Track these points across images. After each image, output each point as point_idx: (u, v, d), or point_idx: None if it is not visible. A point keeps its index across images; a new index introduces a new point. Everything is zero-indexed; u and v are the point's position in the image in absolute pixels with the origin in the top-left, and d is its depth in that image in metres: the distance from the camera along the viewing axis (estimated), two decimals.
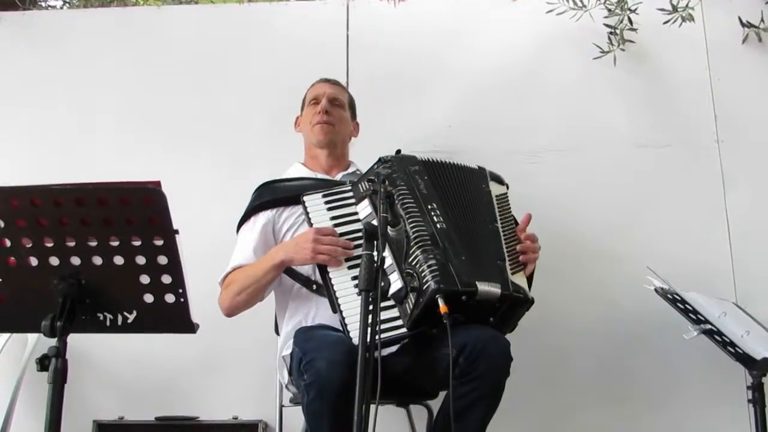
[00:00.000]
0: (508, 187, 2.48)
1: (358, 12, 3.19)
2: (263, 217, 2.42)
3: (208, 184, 2.99)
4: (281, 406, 2.47)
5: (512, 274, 2.20)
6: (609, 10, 3.05)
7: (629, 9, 3.02)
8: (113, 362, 2.85)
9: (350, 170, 2.59)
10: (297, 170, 2.58)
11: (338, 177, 2.54)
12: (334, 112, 2.56)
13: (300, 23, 3.21)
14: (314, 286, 2.32)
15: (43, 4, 3.95)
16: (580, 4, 3.02)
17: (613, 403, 2.79)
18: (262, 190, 2.50)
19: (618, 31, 3.04)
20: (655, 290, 2.44)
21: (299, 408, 2.36)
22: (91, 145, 3.10)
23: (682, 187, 2.94)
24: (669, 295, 2.42)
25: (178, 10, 3.40)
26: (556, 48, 3.12)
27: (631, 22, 3.03)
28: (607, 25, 3.05)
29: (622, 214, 2.93)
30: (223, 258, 2.41)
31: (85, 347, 2.68)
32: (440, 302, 1.92)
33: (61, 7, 3.96)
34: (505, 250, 2.25)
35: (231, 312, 2.34)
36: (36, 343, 2.63)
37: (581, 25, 3.04)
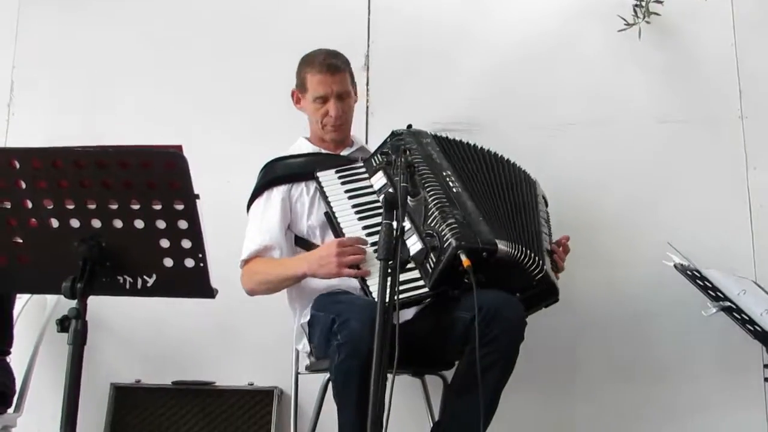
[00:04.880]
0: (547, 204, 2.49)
1: None
2: (278, 192, 2.42)
3: (229, 150, 2.98)
4: (297, 374, 2.49)
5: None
6: None
7: None
8: (131, 326, 2.88)
9: (355, 147, 2.58)
10: (303, 146, 2.58)
11: (344, 153, 2.54)
12: (344, 107, 2.48)
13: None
14: None
15: None
16: None
17: (629, 379, 2.78)
18: (273, 166, 2.49)
19: (644, 4, 2.98)
20: (675, 266, 2.42)
21: (314, 376, 2.40)
22: (114, 109, 3.11)
23: (705, 164, 2.89)
24: (688, 272, 2.40)
25: None
26: (580, 20, 3.06)
27: None
28: None
29: (643, 190, 2.90)
30: (242, 223, 2.42)
31: (103, 311, 2.69)
32: (462, 257, 1.94)
33: None
34: (546, 237, 2.26)
35: (252, 295, 2.39)
36: (55, 305, 2.65)
37: None
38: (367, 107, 2.99)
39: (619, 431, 2.76)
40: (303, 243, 2.41)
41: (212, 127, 3.02)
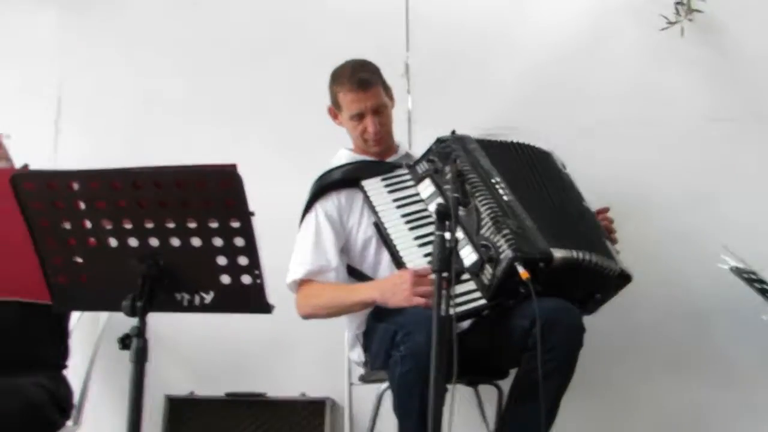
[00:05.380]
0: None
1: None
2: (329, 209, 2.40)
3: (274, 163, 2.98)
4: (350, 384, 2.49)
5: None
6: None
7: None
8: (184, 338, 2.89)
9: (401, 153, 2.56)
10: (346, 157, 2.55)
11: (389, 160, 2.52)
12: (382, 121, 2.44)
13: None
14: None
15: None
16: None
17: (682, 378, 2.74)
18: (320, 180, 2.47)
19: (685, 1, 2.93)
20: (731, 269, 2.37)
21: (367, 386, 2.39)
22: (155, 126, 3.14)
23: (757, 163, 2.84)
24: (744, 275, 2.35)
25: None
26: (621, 20, 3.02)
27: None
28: None
29: (693, 191, 2.85)
30: (290, 234, 2.42)
31: (156, 323, 2.71)
32: (519, 269, 1.93)
33: None
34: (600, 228, 2.26)
35: (307, 318, 2.34)
36: (107, 319, 2.67)
37: None
38: (409, 115, 2.98)
39: None
40: (357, 275, 2.39)
41: (254, 140, 3.03)
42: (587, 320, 2.13)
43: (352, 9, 3.14)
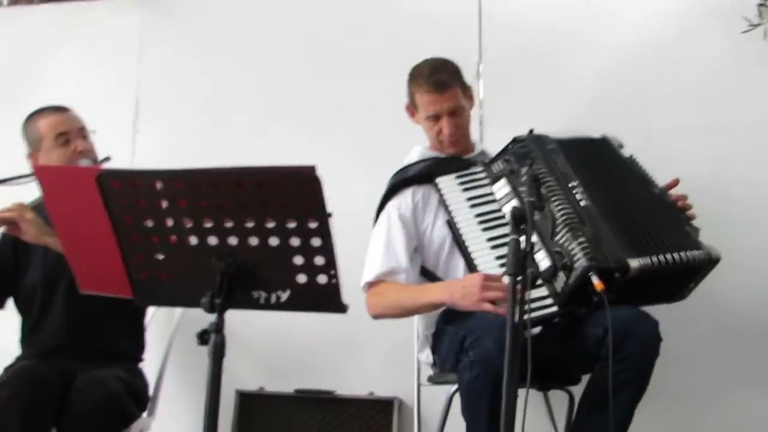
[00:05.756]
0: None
1: None
2: (403, 210, 2.39)
3: (348, 164, 2.99)
4: (419, 385, 2.50)
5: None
6: None
7: None
8: (255, 335, 2.93)
9: (477, 152, 2.53)
10: (420, 154, 2.54)
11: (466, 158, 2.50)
12: (458, 123, 2.41)
13: (430, 4, 3.16)
14: None
15: None
16: None
17: (759, 391, 2.67)
18: (394, 178, 2.48)
19: None
20: None
21: (435, 387, 2.39)
22: (228, 127, 3.20)
23: None
24: None
25: None
26: (701, 21, 2.94)
27: None
28: None
29: None
30: (363, 235, 2.43)
31: (228, 320, 2.77)
32: (594, 279, 1.90)
33: None
34: (678, 213, 2.21)
35: (377, 318, 2.34)
36: (181, 315, 2.74)
37: None
38: (481, 118, 2.97)
39: None
40: (429, 276, 2.38)
41: (328, 141, 3.06)
42: (664, 325, 2.09)
43: (426, 12, 3.14)
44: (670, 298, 2.23)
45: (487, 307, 2.05)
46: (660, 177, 2.42)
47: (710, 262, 2.16)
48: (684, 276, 2.19)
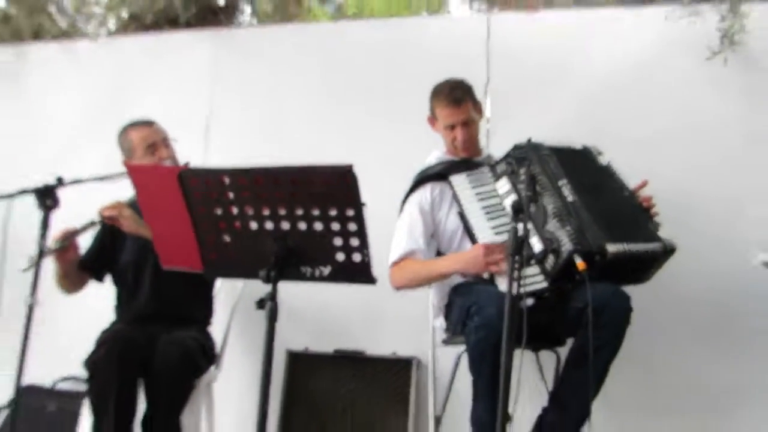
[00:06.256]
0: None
1: (499, 23, 3.10)
2: (422, 203, 2.42)
3: (375, 167, 2.96)
4: (434, 346, 2.50)
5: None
6: (722, 16, 2.82)
7: (742, 14, 2.78)
8: (302, 303, 2.89)
9: (484, 156, 2.55)
10: (437, 157, 2.56)
11: (475, 161, 2.50)
12: (470, 132, 2.45)
13: (447, 36, 3.16)
14: None
15: (239, 19, 4.11)
16: (695, 12, 2.82)
17: (713, 354, 2.65)
18: (417, 177, 2.50)
19: (729, 34, 2.81)
20: (764, 264, 2.27)
21: (448, 348, 2.41)
22: (290, 134, 3.20)
23: None
24: None
25: (347, 24, 3.45)
26: (670, 50, 2.91)
27: (742, 26, 2.79)
28: (719, 29, 2.82)
29: (732, 195, 2.73)
30: (390, 218, 2.44)
31: (280, 290, 2.79)
32: (578, 261, 1.91)
33: (252, 23, 4.11)
34: (643, 211, 2.21)
35: (399, 289, 2.37)
36: (243, 286, 2.75)
37: (695, 29, 2.81)
38: (488, 130, 2.96)
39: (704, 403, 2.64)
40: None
41: (356, 149, 3.00)
42: (636, 301, 2.08)
43: (444, 47, 3.12)
44: (636, 281, 2.22)
45: (492, 268, 2.09)
46: (633, 179, 2.41)
47: (666, 252, 2.16)
48: (646, 262, 2.18)
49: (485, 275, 2.18)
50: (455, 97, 2.42)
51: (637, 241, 2.11)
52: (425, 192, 2.44)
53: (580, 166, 2.32)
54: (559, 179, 2.20)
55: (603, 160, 2.39)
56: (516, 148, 2.32)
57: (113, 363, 2.21)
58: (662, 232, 2.23)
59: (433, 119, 2.53)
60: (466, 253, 2.25)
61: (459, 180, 2.33)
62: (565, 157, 2.31)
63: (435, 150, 2.59)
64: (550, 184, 2.17)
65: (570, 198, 2.15)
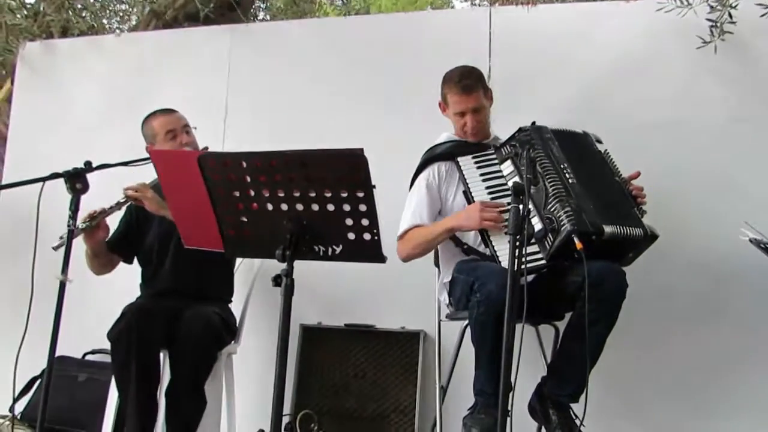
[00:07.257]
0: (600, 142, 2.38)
1: (499, 16, 3.05)
2: (430, 180, 2.40)
3: (384, 152, 2.92)
4: (440, 321, 2.49)
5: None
6: (711, 7, 2.77)
7: (730, 5, 2.73)
8: (315, 280, 2.87)
9: (491, 138, 2.50)
10: (447, 137, 2.51)
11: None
12: (478, 118, 2.39)
13: (450, 29, 3.10)
14: (465, 246, 2.31)
15: (257, 15, 4.07)
16: (685, 3, 2.76)
17: (699, 329, 2.63)
18: (425, 156, 2.48)
19: (719, 24, 2.75)
20: (750, 240, 2.24)
21: (453, 322, 2.39)
22: (300, 122, 3.16)
23: None
24: (762, 245, 2.21)
25: (356, 19, 3.40)
26: (663, 40, 2.85)
27: (731, 16, 2.74)
28: (709, 20, 2.76)
29: (719, 179, 2.69)
30: (398, 200, 2.42)
31: (295, 268, 2.78)
32: (576, 240, 1.89)
33: (265, 18, 4.06)
34: (631, 198, 2.17)
35: (406, 260, 2.35)
36: (260, 265, 2.74)
37: (686, 19, 2.76)
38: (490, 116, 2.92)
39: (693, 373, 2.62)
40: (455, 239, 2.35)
41: (367, 134, 3.00)
42: (630, 278, 2.06)
43: (448, 39, 3.07)
44: (621, 262, 2.17)
45: (487, 224, 2.07)
46: (630, 163, 2.37)
47: (648, 238, 2.14)
48: (629, 246, 2.16)
49: (485, 250, 2.15)
50: (465, 85, 2.35)
51: (627, 225, 2.09)
52: (433, 170, 2.41)
53: (581, 151, 2.29)
54: (561, 162, 2.17)
55: (601, 147, 2.36)
56: (521, 130, 2.29)
57: (133, 333, 2.21)
58: (657, 212, 2.21)
59: (443, 105, 2.48)
60: (462, 210, 2.23)
61: (465, 161, 2.30)
62: (567, 140, 2.28)
63: (444, 132, 2.56)
64: (552, 166, 2.14)
65: (571, 180, 2.12)
